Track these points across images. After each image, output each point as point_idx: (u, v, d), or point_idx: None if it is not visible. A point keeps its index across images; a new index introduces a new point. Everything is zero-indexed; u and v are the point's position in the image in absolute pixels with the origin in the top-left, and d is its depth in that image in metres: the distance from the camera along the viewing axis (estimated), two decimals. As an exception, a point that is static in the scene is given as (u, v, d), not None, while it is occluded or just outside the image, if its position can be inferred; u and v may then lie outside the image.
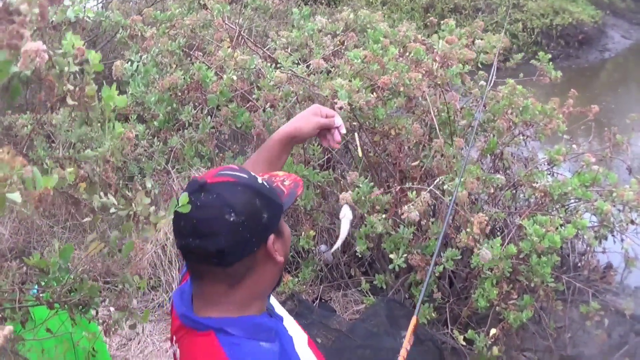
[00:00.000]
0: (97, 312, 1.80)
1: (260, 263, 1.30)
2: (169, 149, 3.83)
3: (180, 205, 1.20)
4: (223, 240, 1.21)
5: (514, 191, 3.64)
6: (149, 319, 3.69)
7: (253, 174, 1.34)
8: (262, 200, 1.28)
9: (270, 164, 1.73)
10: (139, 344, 3.60)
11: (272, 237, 1.29)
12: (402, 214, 2.77)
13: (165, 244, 3.79)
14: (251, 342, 1.26)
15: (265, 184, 1.34)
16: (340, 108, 2.88)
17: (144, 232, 1.31)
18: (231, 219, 1.22)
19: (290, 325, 1.45)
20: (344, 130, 1.76)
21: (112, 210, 1.28)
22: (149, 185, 1.36)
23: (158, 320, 3.81)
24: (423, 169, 3.32)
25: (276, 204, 1.33)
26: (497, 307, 3.00)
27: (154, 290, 3.93)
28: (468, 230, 2.81)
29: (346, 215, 1.79)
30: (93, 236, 1.63)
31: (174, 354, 1.40)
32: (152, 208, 1.25)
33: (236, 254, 1.25)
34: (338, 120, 1.75)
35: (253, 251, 1.27)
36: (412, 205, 2.74)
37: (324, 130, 1.76)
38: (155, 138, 3.88)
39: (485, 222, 2.76)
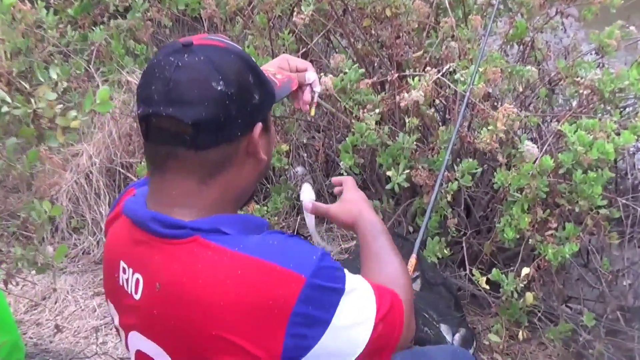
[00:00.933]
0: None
1: (240, 157, 1.36)
2: (90, 45, 3.68)
3: (98, 102, 1.24)
4: (203, 111, 1.25)
5: (551, 90, 3.51)
6: (69, 271, 3.70)
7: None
8: (255, 78, 1.34)
9: None
10: (55, 303, 3.50)
11: (260, 125, 1.35)
12: (400, 102, 2.71)
13: (91, 171, 3.71)
14: (251, 236, 1.32)
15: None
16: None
17: (49, 140, 1.35)
18: (219, 88, 1.26)
19: None
20: (317, 89, 1.82)
21: (4, 109, 1.28)
22: (53, 75, 1.32)
23: (82, 271, 3.75)
24: (428, 59, 3.22)
25: (270, 88, 1.40)
26: (529, 240, 2.91)
27: (77, 232, 3.87)
28: (490, 128, 2.73)
29: (305, 200, 1.89)
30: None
31: (123, 285, 1.42)
32: (60, 107, 1.26)
33: (214, 134, 1.29)
34: (310, 76, 1.79)
35: (236, 136, 1.32)
36: (415, 90, 2.67)
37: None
38: (71, 30, 3.70)
39: (515, 113, 2.70)
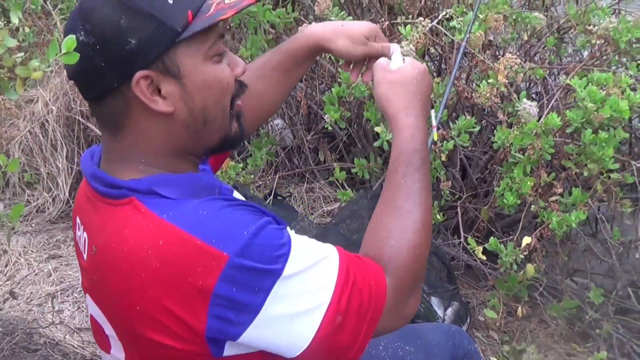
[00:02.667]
0: None
1: (136, 108, 1.31)
2: None
3: (63, 52, 1.20)
4: (75, 65, 1.25)
5: (560, 39, 3.44)
6: (22, 230, 3.64)
7: None
8: (132, 20, 1.26)
9: (287, 72, 1.80)
10: (6, 266, 3.44)
11: (142, 73, 1.28)
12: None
13: (47, 120, 3.63)
14: (191, 201, 1.31)
15: None
16: None
17: (7, 92, 1.36)
18: (81, 38, 1.25)
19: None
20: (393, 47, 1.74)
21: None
22: (14, 19, 1.30)
23: (36, 231, 3.69)
24: (423, 1, 3.17)
25: (166, 27, 1.28)
26: (532, 207, 2.87)
27: (30, 188, 3.80)
28: (490, 81, 2.66)
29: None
30: None
31: (77, 243, 1.46)
32: (20, 55, 1.26)
33: (92, 87, 1.31)
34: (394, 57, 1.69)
35: (113, 87, 1.29)
36: (405, 42, 2.51)
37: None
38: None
39: (519, 64, 2.64)
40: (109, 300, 1.35)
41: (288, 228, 1.37)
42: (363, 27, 1.73)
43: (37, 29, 3.61)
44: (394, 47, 1.69)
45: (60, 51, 1.16)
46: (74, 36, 1.20)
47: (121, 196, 1.31)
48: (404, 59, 1.64)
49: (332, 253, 1.34)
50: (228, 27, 3.35)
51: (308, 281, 1.28)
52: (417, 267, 1.45)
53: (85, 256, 1.41)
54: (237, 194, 1.56)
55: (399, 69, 1.61)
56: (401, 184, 1.48)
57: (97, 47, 1.24)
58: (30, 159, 3.65)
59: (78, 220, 1.46)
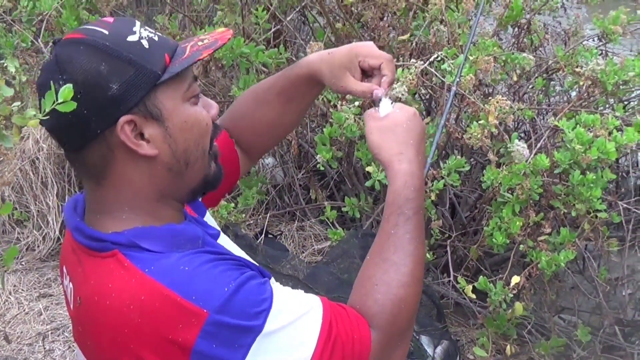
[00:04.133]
0: None
1: (120, 154, 1.34)
2: (38, 16, 3.56)
3: (61, 100, 1.19)
4: (54, 115, 1.23)
5: (548, 80, 3.50)
6: (12, 268, 3.62)
7: (130, 27, 1.36)
8: (112, 66, 1.30)
9: (290, 100, 1.77)
10: None
11: (126, 118, 1.31)
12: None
13: (37, 157, 3.66)
14: (173, 254, 1.32)
15: (142, 42, 1.35)
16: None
17: (3, 139, 1.33)
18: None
19: (229, 246, 1.56)
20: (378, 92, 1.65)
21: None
22: (11, 68, 1.32)
23: (26, 269, 3.69)
24: (414, 44, 3.20)
25: (145, 71, 1.32)
26: (520, 246, 2.89)
27: (20, 226, 3.82)
28: (481, 122, 2.69)
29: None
30: None
31: (65, 292, 1.48)
32: (17, 104, 1.28)
33: (75, 137, 1.32)
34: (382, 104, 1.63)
35: (96, 134, 1.31)
36: (398, 83, 2.58)
37: None
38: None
39: (508, 108, 2.66)
40: (93, 351, 1.37)
41: (272, 280, 1.40)
42: (343, 57, 1.68)
43: (28, 66, 3.62)
44: (380, 93, 1.63)
45: (57, 100, 1.17)
46: (70, 85, 1.20)
47: (104, 249, 1.33)
48: (392, 103, 1.61)
49: (315, 307, 1.35)
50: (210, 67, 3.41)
51: (289, 336, 1.29)
52: (403, 321, 1.44)
53: (72, 306, 1.43)
54: (223, 238, 1.58)
55: (387, 115, 1.58)
56: (391, 234, 1.47)
57: (79, 94, 1.24)
58: (20, 197, 3.66)
59: (65, 269, 1.47)
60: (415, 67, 2.69)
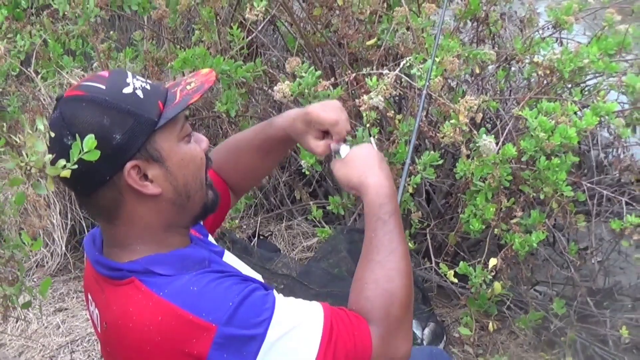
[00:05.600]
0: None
1: (128, 195, 1.45)
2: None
3: (86, 150, 1.26)
4: (67, 165, 1.30)
5: (508, 65, 3.50)
6: (27, 284, 3.60)
7: (124, 80, 1.46)
8: (114, 118, 1.40)
9: (267, 153, 1.93)
10: (17, 322, 3.51)
11: (131, 163, 1.42)
12: (360, 105, 2.73)
13: (38, 179, 3.54)
14: (184, 276, 1.43)
15: (137, 93, 1.44)
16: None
17: (37, 188, 1.38)
18: (69, 142, 1.31)
19: (235, 263, 1.67)
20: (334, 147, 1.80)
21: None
22: (40, 126, 1.35)
23: (39, 285, 3.59)
24: (382, 49, 3.21)
25: (143, 119, 1.43)
26: (495, 230, 2.94)
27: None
28: (452, 121, 2.75)
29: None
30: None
31: (91, 317, 1.61)
32: (48, 157, 1.28)
33: (87, 183, 1.43)
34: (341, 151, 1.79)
35: (105, 180, 1.42)
36: (374, 92, 2.69)
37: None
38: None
39: (476, 107, 2.73)
40: None
41: (275, 291, 1.50)
42: (302, 124, 1.79)
43: (19, 93, 3.65)
44: (334, 147, 1.78)
45: (83, 150, 1.24)
46: (92, 135, 1.26)
47: (122, 277, 1.44)
48: (350, 147, 1.77)
49: (316, 312, 1.46)
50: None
51: (293, 341, 1.39)
52: (397, 311, 1.53)
53: (99, 329, 1.55)
54: (228, 256, 1.70)
55: (347, 154, 1.74)
56: (372, 237, 1.61)
57: None
58: (24, 216, 3.63)
59: (90, 297, 1.59)
60: (389, 78, 2.75)
